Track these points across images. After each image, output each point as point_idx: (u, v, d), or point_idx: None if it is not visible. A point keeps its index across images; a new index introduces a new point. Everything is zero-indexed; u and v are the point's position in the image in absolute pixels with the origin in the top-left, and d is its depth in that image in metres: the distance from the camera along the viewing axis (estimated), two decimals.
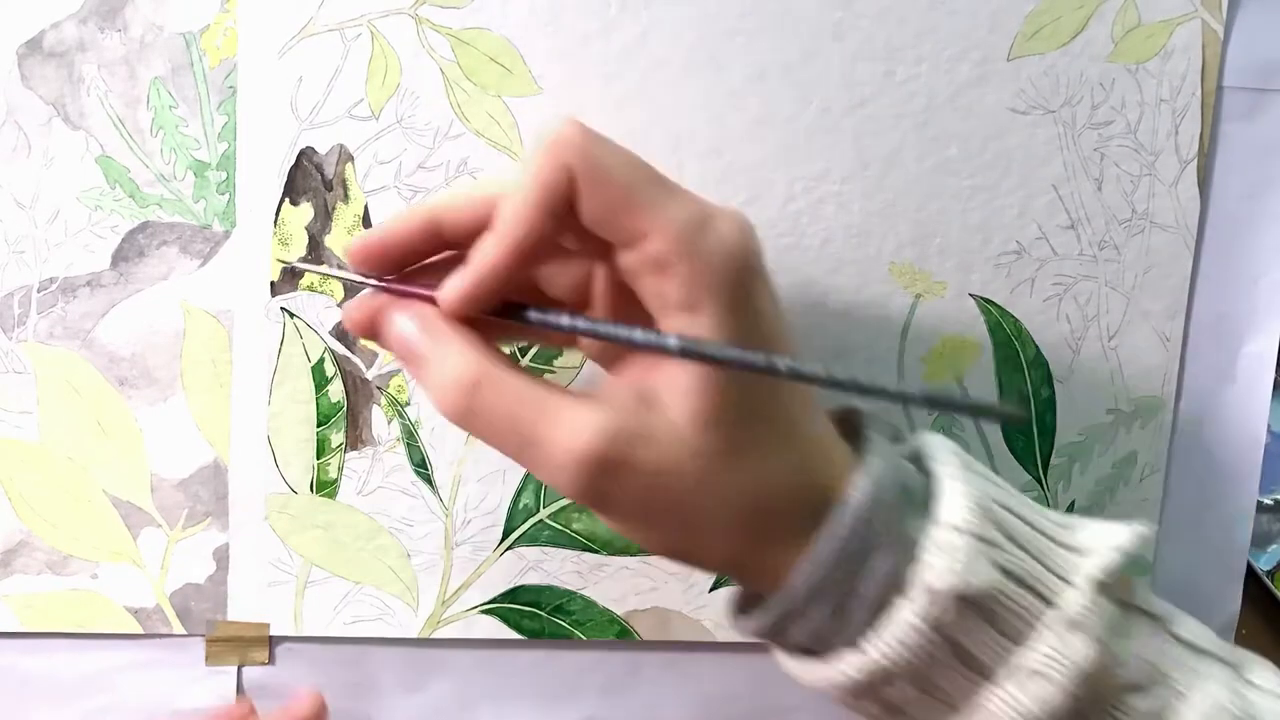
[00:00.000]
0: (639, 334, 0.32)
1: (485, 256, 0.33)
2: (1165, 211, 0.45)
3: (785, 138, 0.44)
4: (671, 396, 0.33)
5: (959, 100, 0.44)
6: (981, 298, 0.45)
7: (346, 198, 0.43)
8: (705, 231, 0.32)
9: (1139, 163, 0.45)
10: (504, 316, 0.34)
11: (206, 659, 0.45)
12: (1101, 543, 0.35)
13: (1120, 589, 0.35)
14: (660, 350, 0.32)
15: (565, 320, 0.33)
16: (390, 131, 0.43)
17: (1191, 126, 0.45)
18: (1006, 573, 0.33)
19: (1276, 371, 0.47)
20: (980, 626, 0.33)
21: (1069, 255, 0.45)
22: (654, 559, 0.46)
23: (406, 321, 0.34)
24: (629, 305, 0.34)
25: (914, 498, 0.34)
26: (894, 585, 0.33)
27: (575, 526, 0.45)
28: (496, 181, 0.35)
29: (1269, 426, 0.47)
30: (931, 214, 0.45)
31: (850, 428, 0.36)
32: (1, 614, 0.44)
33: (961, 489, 0.34)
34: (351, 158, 0.43)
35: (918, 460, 0.36)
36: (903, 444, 0.37)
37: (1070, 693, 0.33)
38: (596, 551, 0.46)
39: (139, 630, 0.45)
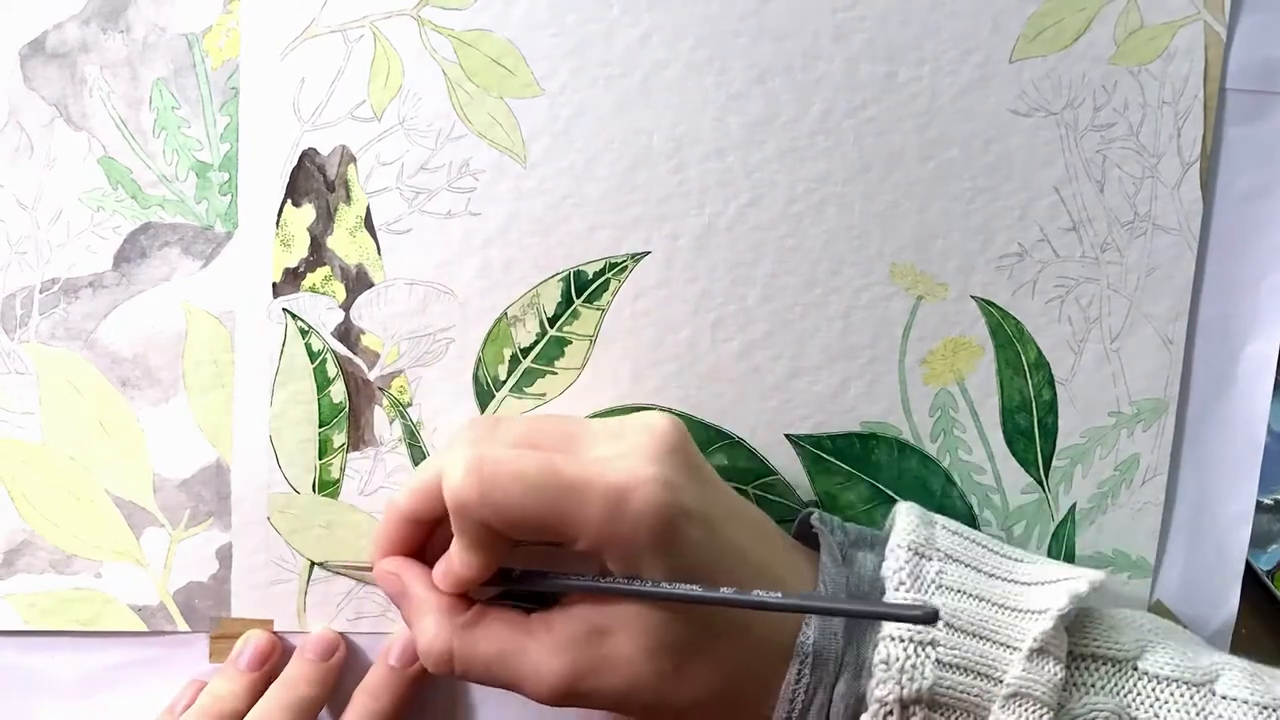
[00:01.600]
0: (595, 584, 0.38)
1: (454, 573, 0.38)
2: (1167, 214, 0.45)
3: (787, 139, 0.44)
4: (623, 631, 0.37)
5: (961, 102, 0.44)
6: (983, 299, 0.45)
7: (349, 199, 0.43)
8: (620, 519, 0.36)
9: (1141, 165, 0.45)
10: (493, 584, 0.39)
11: (210, 656, 0.46)
12: (1048, 601, 0.38)
13: (1074, 639, 0.39)
14: (608, 593, 0.37)
15: (536, 583, 0.39)
16: (392, 133, 0.43)
17: (1194, 129, 0.45)
18: (948, 666, 0.37)
19: (1277, 373, 0.47)
20: None
21: (1071, 257, 0.45)
22: None
23: (393, 580, 0.41)
24: None
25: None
26: (859, 700, 0.38)
27: None
28: (433, 464, 0.39)
29: (1269, 427, 0.47)
30: (933, 216, 0.45)
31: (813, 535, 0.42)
32: (5, 613, 0.45)
33: (904, 598, 0.38)
34: (354, 159, 0.43)
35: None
36: (864, 556, 0.41)
37: None
38: None
39: (143, 628, 0.45)
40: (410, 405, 0.44)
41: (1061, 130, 0.44)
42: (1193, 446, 0.47)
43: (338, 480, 0.45)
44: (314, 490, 0.45)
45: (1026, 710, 0.37)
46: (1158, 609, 0.48)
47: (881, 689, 0.37)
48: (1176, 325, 0.46)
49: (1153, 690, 0.39)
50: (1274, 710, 0.38)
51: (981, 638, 0.38)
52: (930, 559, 0.40)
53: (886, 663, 0.37)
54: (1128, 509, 0.47)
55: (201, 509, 0.45)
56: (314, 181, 0.43)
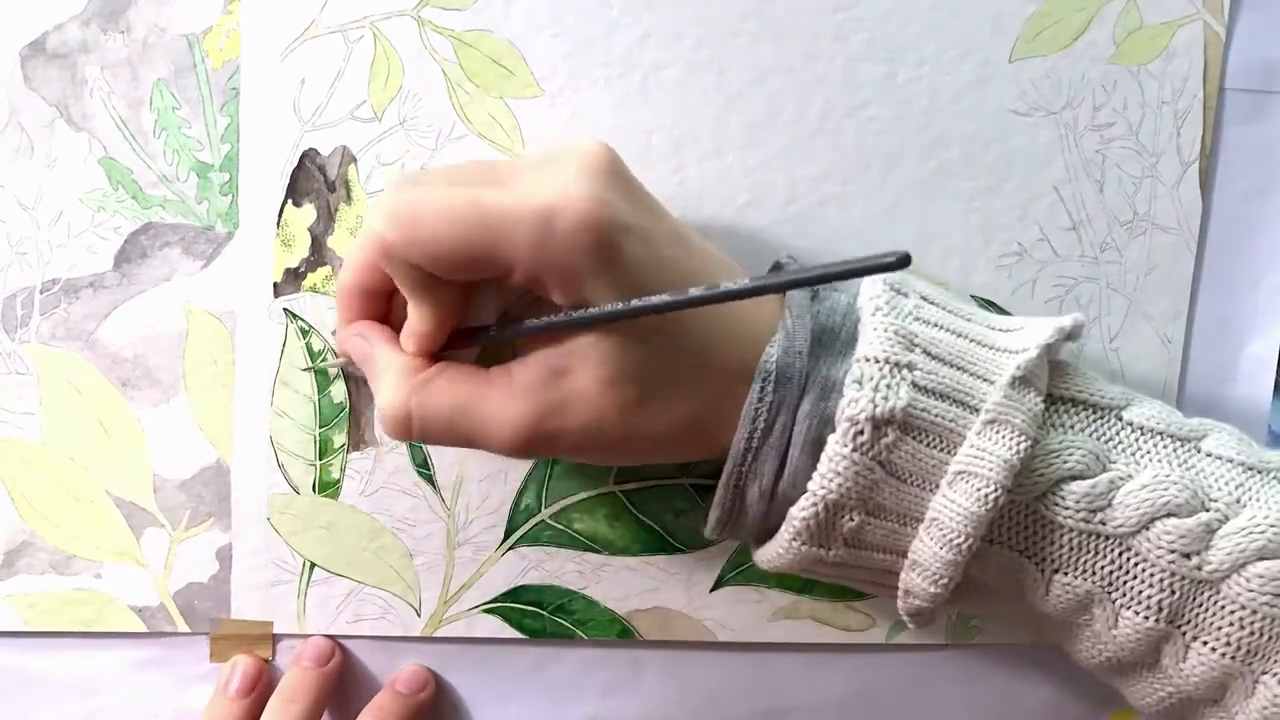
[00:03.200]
0: (541, 322, 0.37)
1: (415, 334, 0.38)
2: (1167, 213, 0.45)
3: (787, 139, 0.44)
4: (580, 366, 0.36)
5: (961, 102, 0.44)
6: (983, 299, 0.45)
7: (349, 199, 0.43)
8: (551, 239, 0.34)
9: (1141, 164, 0.45)
10: (450, 346, 0.39)
11: (211, 657, 0.46)
12: (1027, 341, 0.37)
13: (1055, 383, 0.38)
14: (563, 328, 0.36)
15: (492, 331, 0.39)
16: (393, 133, 0.43)
17: (1193, 128, 0.45)
18: (924, 390, 0.36)
19: (1277, 373, 0.47)
20: (908, 444, 0.36)
21: (1070, 257, 0.45)
22: (655, 560, 0.46)
23: (357, 341, 0.40)
24: None
25: (838, 341, 0.38)
26: (825, 423, 0.36)
27: (577, 527, 0.45)
28: (364, 230, 0.38)
29: (1269, 427, 0.47)
30: (933, 215, 0.45)
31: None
32: (5, 614, 0.45)
33: (880, 321, 0.37)
34: (354, 159, 0.43)
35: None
36: (837, 293, 0.39)
37: (999, 483, 0.35)
38: (598, 551, 0.46)
39: (143, 629, 0.45)
40: None
41: (1061, 130, 0.44)
42: None
43: (338, 481, 0.45)
44: (314, 491, 0.45)
45: (1003, 437, 0.35)
46: None
47: (853, 407, 0.35)
48: (1175, 325, 0.46)
49: (1135, 439, 0.38)
50: (1260, 472, 0.37)
51: (959, 368, 0.37)
52: (908, 296, 0.38)
53: (860, 381, 0.36)
54: None
55: (202, 510, 0.45)
56: (314, 182, 0.43)
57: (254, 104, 0.43)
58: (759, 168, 0.44)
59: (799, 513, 0.37)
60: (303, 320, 0.44)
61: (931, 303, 0.39)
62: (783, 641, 0.47)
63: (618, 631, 0.46)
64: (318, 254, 0.44)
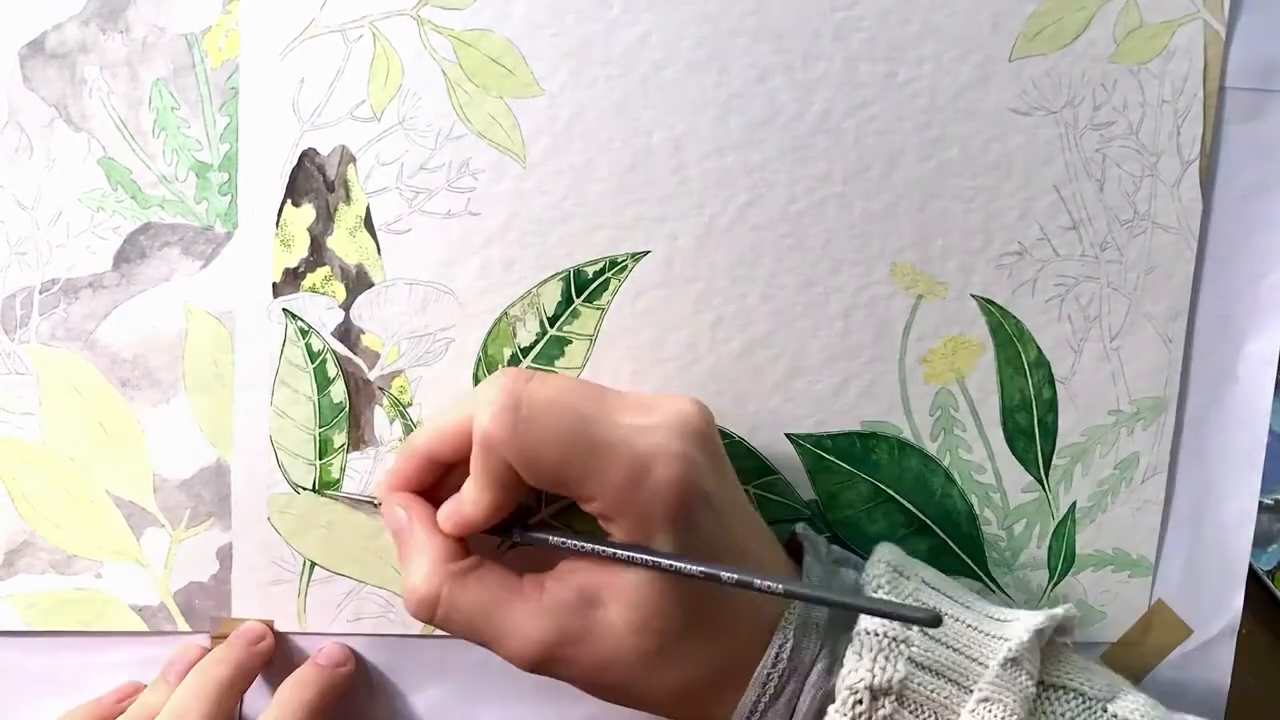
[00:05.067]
0: (600, 547, 0.38)
1: (462, 514, 0.39)
2: (1167, 212, 0.45)
3: (787, 139, 0.44)
4: (614, 602, 0.38)
5: (961, 101, 0.44)
6: (983, 298, 0.45)
7: (348, 199, 0.43)
8: (640, 484, 0.36)
9: (1141, 163, 0.45)
10: (494, 534, 0.40)
11: None
12: (1020, 629, 0.39)
13: (1047, 669, 0.39)
14: (610, 560, 0.38)
15: (538, 536, 0.40)
16: (392, 133, 0.43)
17: (1193, 127, 0.45)
18: (920, 665, 0.37)
19: (1277, 372, 0.47)
20: (903, 716, 0.37)
21: (1071, 256, 0.45)
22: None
23: (398, 511, 0.41)
24: None
25: (845, 617, 0.39)
26: (828, 696, 0.38)
27: (576, 527, 0.45)
28: (462, 407, 0.39)
29: (1270, 427, 0.47)
30: (933, 215, 0.45)
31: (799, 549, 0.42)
32: (6, 614, 0.45)
33: (882, 598, 0.39)
34: (353, 159, 0.43)
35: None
36: (847, 570, 0.42)
37: None
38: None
39: (144, 628, 0.45)
40: (410, 405, 0.44)
41: (1061, 129, 0.44)
42: (1193, 445, 0.47)
43: (338, 480, 0.45)
44: (314, 490, 0.45)
45: (995, 716, 0.37)
46: (1159, 608, 0.48)
47: (852, 676, 0.37)
48: (1176, 324, 0.46)
49: None
50: None
51: (954, 649, 0.38)
52: (909, 579, 0.40)
53: (860, 653, 0.37)
54: (1128, 507, 0.47)
55: (202, 509, 0.45)
56: (314, 181, 0.43)
57: (253, 104, 0.43)
58: (759, 167, 0.44)
59: None
60: (302, 320, 0.44)
61: (932, 587, 0.41)
62: None
63: None
64: (317, 254, 0.44)
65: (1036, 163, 0.45)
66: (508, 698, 0.47)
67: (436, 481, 0.41)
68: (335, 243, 0.44)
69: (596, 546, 0.38)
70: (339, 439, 0.44)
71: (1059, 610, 0.40)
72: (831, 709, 0.37)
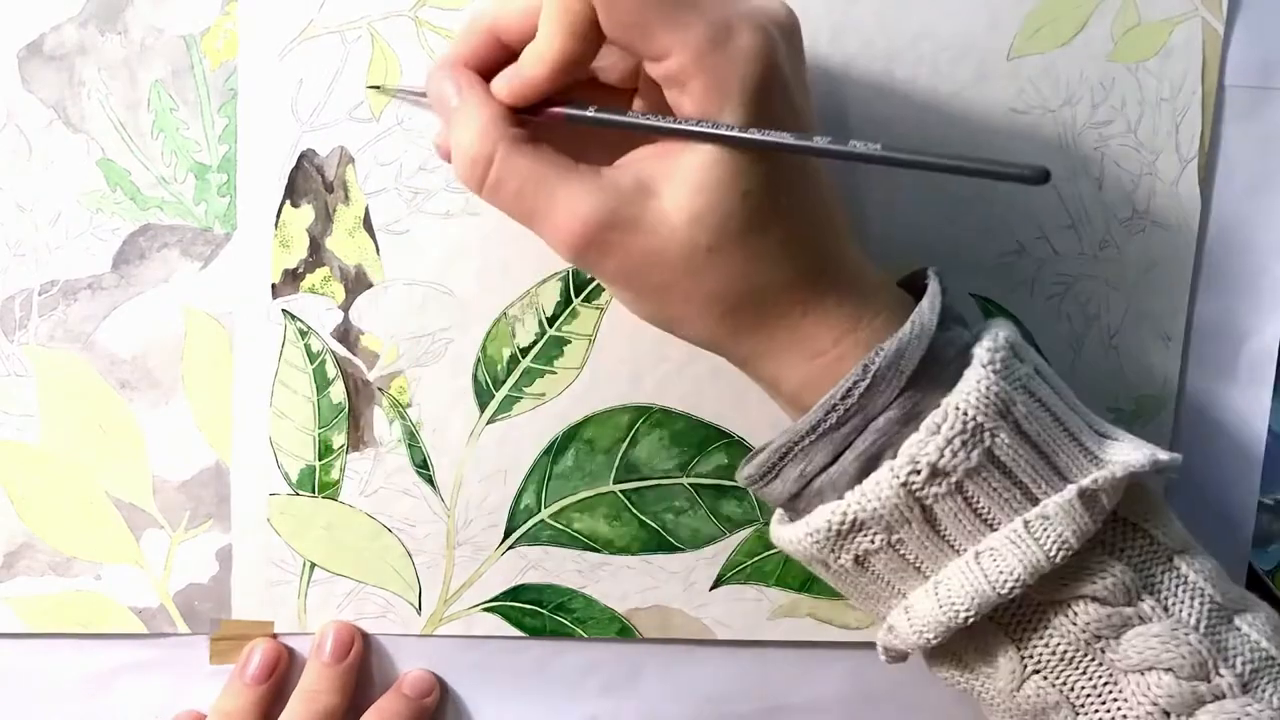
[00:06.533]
0: (652, 120, 0.35)
1: (522, 74, 0.36)
2: (1166, 210, 0.45)
3: None
4: (670, 188, 0.35)
5: (959, 100, 0.44)
6: (982, 297, 0.45)
7: (347, 199, 0.43)
8: (722, 46, 0.33)
9: (1139, 162, 0.45)
10: (539, 115, 0.37)
11: (211, 658, 0.46)
12: (1118, 456, 0.36)
13: (1127, 504, 0.36)
14: (675, 135, 0.35)
15: (591, 113, 0.37)
16: (390, 133, 0.43)
17: (1192, 125, 0.45)
18: (996, 461, 0.35)
19: (1277, 371, 0.47)
20: (956, 501, 0.35)
21: (1070, 254, 0.45)
22: (655, 558, 0.46)
23: (446, 83, 0.38)
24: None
25: (942, 374, 0.35)
26: (890, 444, 0.35)
27: (576, 526, 0.45)
28: None
29: (1270, 426, 0.47)
30: (933, 215, 0.45)
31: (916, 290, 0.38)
32: (6, 615, 0.45)
33: (986, 376, 0.35)
34: (352, 159, 0.43)
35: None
36: (962, 329, 0.37)
37: (1022, 580, 0.35)
38: (598, 551, 0.46)
39: (143, 630, 0.45)
40: (410, 406, 0.44)
41: (1059, 128, 0.44)
42: (1192, 443, 0.47)
43: (337, 481, 0.45)
44: (314, 491, 0.45)
45: (1047, 538, 0.35)
46: None
47: (920, 447, 0.34)
48: (1175, 322, 0.46)
49: (1174, 587, 0.36)
50: None
51: (1042, 454, 0.35)
52: (1024, 362, 0.36)
53: (939, 425, 0.34)
54: None
55: (201, 511, 0.45)
56: (313, 182, 0.43)
57: (252, 105, 0.43)
58: None
59: (825, 516, 0.36)
60: (301, 321, 0.44)
61: (1045, 378, 0.37)
62: (782, 640, 0.47)
63: (617, 630, 0.46)
64: (316, 255, 0.44)
65: (1035, 161, 0.44)
66: (507, 696, 0.47)
67: (491, 67, 0.38)
68: (334, 243, 0.44)
69: (661, 121, 0.35)
70: (338, 440, 0.44)
71: (1165, 456, 0.36)
72: (888, 463, 0.35)
